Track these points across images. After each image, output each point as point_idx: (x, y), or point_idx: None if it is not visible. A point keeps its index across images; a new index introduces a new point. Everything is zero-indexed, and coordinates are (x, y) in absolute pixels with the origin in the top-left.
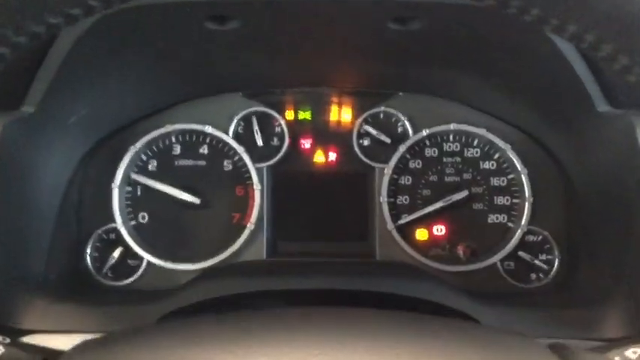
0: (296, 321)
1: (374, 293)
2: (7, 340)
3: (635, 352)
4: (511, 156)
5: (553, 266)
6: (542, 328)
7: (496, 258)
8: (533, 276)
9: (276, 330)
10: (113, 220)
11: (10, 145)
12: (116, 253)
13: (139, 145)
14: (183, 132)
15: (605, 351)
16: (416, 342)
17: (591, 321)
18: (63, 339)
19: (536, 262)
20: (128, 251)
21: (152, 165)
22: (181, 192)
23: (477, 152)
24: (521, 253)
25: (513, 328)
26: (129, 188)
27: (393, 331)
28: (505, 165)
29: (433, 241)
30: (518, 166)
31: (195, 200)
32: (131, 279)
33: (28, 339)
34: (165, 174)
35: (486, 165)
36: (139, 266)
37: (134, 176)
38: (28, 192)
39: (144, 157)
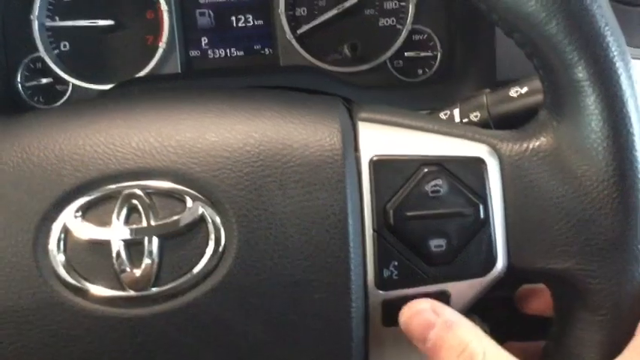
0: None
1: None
2: None
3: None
4: None
5: (436, 60)
6: (412, 104)
7: (385, 56)
8: (420, 71)
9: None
10: (37, 50)
11: None
12: (44, 80)
13: None
14: None
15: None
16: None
17: (452, 93)
18: None
19: (422, 54)
20: (55, 77)
21: None
22: (95, 20)
23: None
24: (408, 53)
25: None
26: (48, 20)
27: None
28: None
29: (330, 47)
30: None
31: (110, 23)
32: (61, 101)
33: None
34: (79, 4)
35: None
36: (66, 90)
37: (49, 22)
38: None
39: None
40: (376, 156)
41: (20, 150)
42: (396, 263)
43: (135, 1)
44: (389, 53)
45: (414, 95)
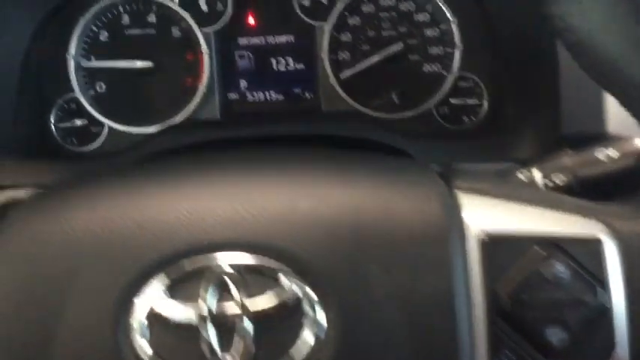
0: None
1: (315, 137)
2: None
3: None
4: (442, 6)
5: (483, 107)
6: (462, 155)
7: (431, 103)
8: (466, 118)
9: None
10: (72, 90)
11: None
12: (78, 121)
13: (88, 15)
14: (129, 1)
15: (507, 172)
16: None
17: (506, 145)
18: None
19: (468, 101)
20: (90, 119)
21: (103, 36)
22: (133, 61)
23: (410, 5)
24: (454, 100)
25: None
26: (84, 59)
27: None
28: (437, 16)
29: (374, 92)
30: (449, 15)
31: (148, 64)
32: (95, 144)
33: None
34: (116, 43)
35: (420, 17)
36: (101, 132)
37: (85, 63)
38: None
39: (94, 28)
40: (484, 232)
41: (99, 217)
42: (508, 353)
43: (175, 42)
44: (434, 100)
45: (464, 145)
